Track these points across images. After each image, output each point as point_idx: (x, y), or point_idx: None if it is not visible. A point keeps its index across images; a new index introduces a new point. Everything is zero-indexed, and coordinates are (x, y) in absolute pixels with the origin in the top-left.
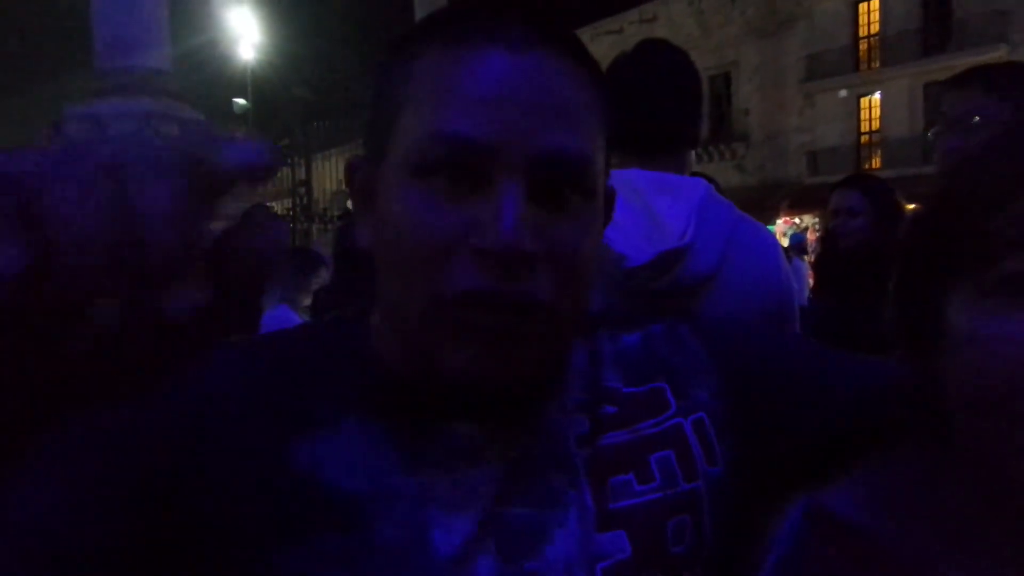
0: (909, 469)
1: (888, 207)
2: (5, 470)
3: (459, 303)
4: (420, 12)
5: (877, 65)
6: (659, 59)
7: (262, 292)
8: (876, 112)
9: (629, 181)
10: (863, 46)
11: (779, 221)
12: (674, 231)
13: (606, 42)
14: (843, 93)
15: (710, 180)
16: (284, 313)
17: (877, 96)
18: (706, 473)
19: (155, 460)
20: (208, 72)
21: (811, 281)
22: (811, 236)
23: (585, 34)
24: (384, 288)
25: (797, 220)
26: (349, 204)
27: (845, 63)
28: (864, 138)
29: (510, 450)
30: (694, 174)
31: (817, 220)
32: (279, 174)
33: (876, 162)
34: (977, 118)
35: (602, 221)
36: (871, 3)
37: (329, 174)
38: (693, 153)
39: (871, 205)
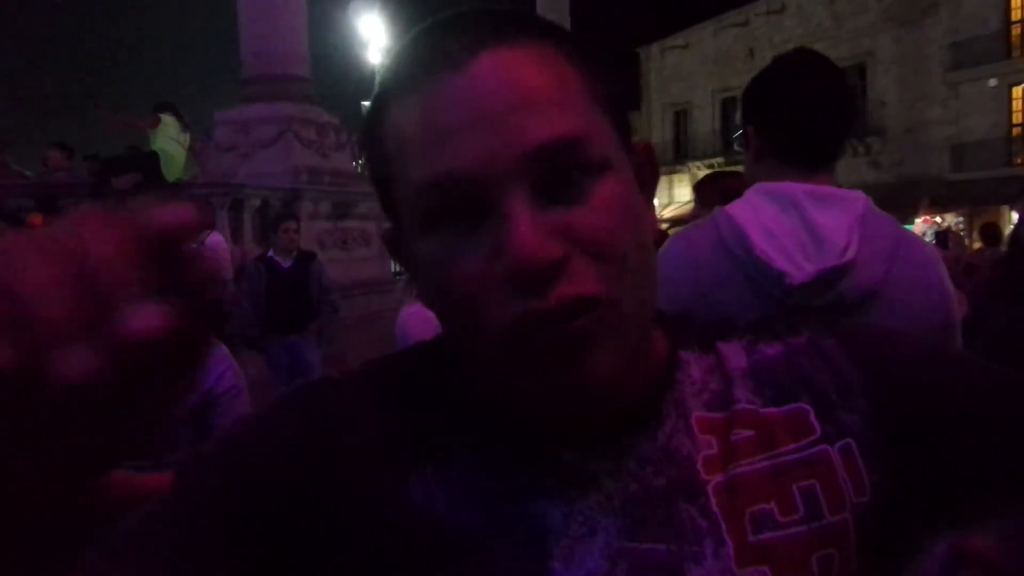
0: None
1: None
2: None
3: (511, 334)
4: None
5: None
6: (821, 75)
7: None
8: None
9: (786, 194)
10: (1016, 31)
11: (918, 220)
12: (835, 246)
13: (731, 34)
14: (993, 82)
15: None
16: (420, 310)
17: None
18: (854, 504)
19: (273, 492)
20: (337, 76)
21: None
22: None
23: (709, 27)
24: (449, 338)
25: (938, 219)
26: None
27: (995, 50)
28: (1016, 130)
29: (627, 477)
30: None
31: (961, 219)
32: None
33: None
34: None
35: (636, 185)
36: None
37: None
38: None
39: None
